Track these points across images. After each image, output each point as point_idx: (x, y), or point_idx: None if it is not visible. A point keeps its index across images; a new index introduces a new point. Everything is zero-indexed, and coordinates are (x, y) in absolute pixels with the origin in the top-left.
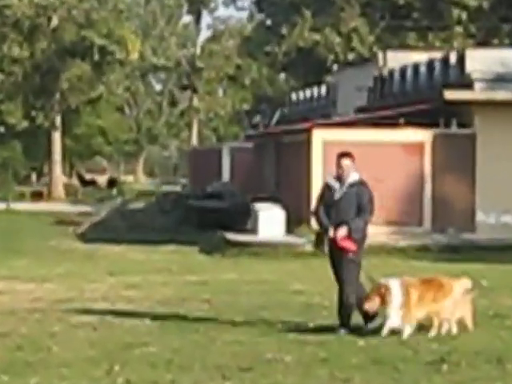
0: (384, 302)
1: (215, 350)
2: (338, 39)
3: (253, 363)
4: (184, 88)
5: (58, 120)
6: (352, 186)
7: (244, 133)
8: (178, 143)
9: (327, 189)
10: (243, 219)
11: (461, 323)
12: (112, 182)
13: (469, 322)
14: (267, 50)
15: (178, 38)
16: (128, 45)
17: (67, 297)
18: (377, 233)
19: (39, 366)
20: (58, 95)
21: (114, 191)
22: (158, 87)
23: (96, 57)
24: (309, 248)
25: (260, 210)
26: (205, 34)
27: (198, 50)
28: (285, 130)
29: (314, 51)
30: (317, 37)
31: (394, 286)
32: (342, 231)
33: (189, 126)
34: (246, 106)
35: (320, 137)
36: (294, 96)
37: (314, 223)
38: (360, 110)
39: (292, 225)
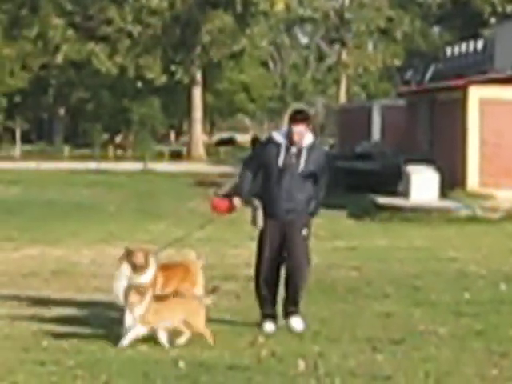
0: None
1: (365, 321)
2: None
3: (405, 335)
4: (332, 41)
5: (199, 75)
6: (310, 149)
7: (395, 90)
8: (324, 100)
9: (271, 149)
10: (394, 182)
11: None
12: (255, 141)
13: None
14: (420, 1)
15: None
16: None
17: (209, 263)
18: None
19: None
20: (198, 49)
21: None
22: (304, 40)
23: (239, 8)
24: (464, 213)
25: (412, 172)
26: None
27: (347, 1)
28: (439, 87)
29: (471, 2)
30: None
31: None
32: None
33: (337, 82)
34: (397, 62)
35: (476, 94)
36: (448, 51)
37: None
38: None
39: (446, 188)
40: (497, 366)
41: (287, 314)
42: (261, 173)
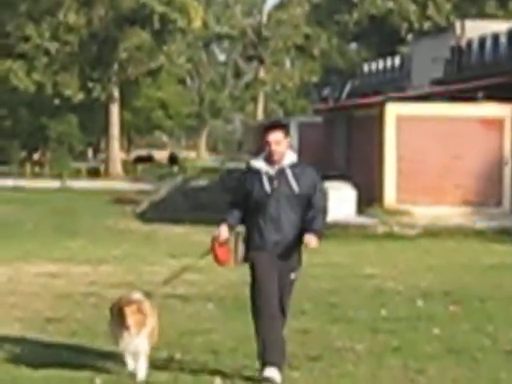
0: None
1: None
2: (413, 7)
3: (322, 352)
4: (249, 58)
5: (116, 92)
6: (294, 168)
7: (312, 107)
8: (242, 117)
9: (252, 176)
10: None
11: None
12: (173, 159)
13: None
14: (337, 18)
15: (243, 6)
16: (190, 12)
17: (125, 280)
18: (453, 213)
19: (95, 352)
20: (115, 66)
21: (175, 168)
22: (221, 57)
23: (156, 25)
24: (381, 229)
25: (330, 188)
26: (272, 1)
27: (265, 19)
28: (356, 104)
29: (388, 20)
30: (390, 4)
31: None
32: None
33: (254, 99)
34: (314, 78)
35: (394, 111)
36: (365, 67)
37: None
38: (436, 82)
39: (363, 205)
40: (413, 382)
41: (265, 363)
42: (245, 205)
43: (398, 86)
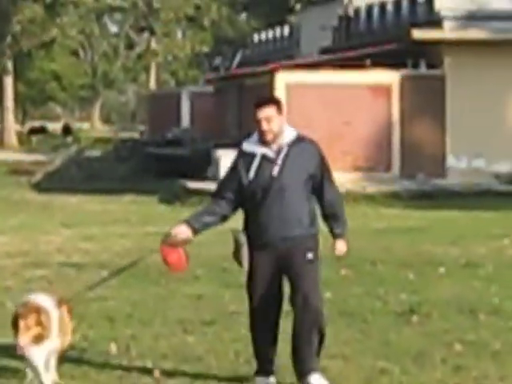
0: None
1: (176, 303)
2: None
3: (215, 316)
4: (141, 30)
5: (10, 65)
6: (293, 146)
7: (204, 76)
8: (135, 88)
9: (246, 162)
10: (204, 166)
11: None
12: (67, 130)
13: None
14: None
15: None
16: None
17: (21, 250)
18: (343, 179)
19: None
20: (9, 39)
21: (69, 139)
22: (113, 29)
23: None
24: None
25: (222, 156)
26: None
27: None
28: (246, 73)
29: None
30: None
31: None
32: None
33: (147, 69)
34: (205, 49)
35: (283, 79)
36: (255, 37)
37: None
38: (324, 50)
39: None
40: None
41: (304, 373)
42: (239, 197)
43: (287, 54)
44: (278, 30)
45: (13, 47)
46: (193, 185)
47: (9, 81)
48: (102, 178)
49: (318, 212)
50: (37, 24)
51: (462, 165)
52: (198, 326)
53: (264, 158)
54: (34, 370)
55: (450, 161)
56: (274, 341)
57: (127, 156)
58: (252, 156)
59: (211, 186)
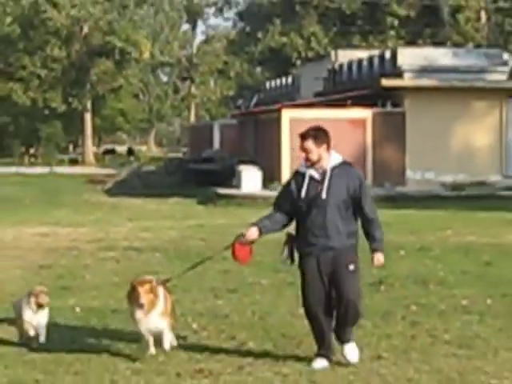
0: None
1: (209, 276)
2: (300, 41)
3: (238, 286)
4: (184, 79)
5: (89, 104)
6: (336, 171)
7: (230, 113)
8: (180, 121)
9: (297, 180)
10: (230, 178)
11: None
12: (130, 151)
13: None
14: (247, 49)
15: (179, 41)
16: (141, 47)
17: (97, 237)
18: None
19: (76, 289)
20: (88, 85)
21: (132, 158)
22: (164, 79)
23: (117, 56)
24: None
25: (242, 170)
26: (199, 38)
27: (195, 50)
28: (261, 111)
29: (283, 50)
30: (284, 39)
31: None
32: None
33: (188, 108)
34: (231, 93)
35: (287, 115)
36: (267, 84)
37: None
38: (318, 94)
39: (266, 181)
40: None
41: (343, 341)
42: (293, 210)
43: (290, 97)
44: (284, 80)
45: (91, 92)
46: (222, 191)
47: (88, 116)
48: (155, 186)
49: (359, 228)
50: (108, 75)
51: (417, 176)
52: (225, 293)
53: (311, 178)
54: (153, 332)
55: (409, 173)
56: (325, 328)
57: (174, 170)
58: (303, 176)
59: (235, 191)
